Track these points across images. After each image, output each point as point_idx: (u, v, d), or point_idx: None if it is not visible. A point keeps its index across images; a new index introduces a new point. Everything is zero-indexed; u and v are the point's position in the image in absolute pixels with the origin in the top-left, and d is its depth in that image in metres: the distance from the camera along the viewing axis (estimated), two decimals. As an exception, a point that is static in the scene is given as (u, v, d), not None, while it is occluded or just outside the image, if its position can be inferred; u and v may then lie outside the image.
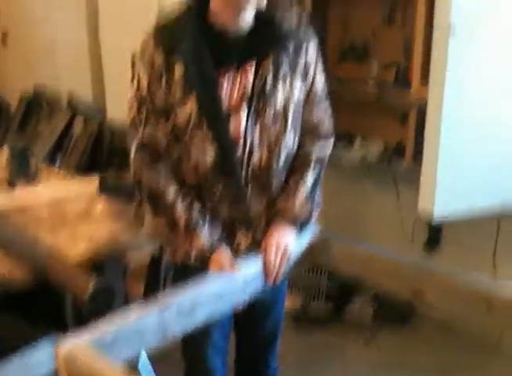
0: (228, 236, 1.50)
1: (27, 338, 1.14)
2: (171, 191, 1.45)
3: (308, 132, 1.53)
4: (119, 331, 1.16)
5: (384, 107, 2.93)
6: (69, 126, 3.99)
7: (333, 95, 3.01)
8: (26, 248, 1.78)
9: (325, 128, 1.56)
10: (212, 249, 1.44)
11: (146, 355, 1.52)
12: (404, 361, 2.61)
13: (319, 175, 1.56)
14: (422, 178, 2.24)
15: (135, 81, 1.43)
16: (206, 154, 1.42)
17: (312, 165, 1.54)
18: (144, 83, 1.40)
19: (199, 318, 1.32)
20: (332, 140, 1.59)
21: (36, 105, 4.58)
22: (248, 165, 1.45)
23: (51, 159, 3.90)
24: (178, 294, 1.28)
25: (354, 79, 2.97)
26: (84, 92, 4.21)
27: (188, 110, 1.39)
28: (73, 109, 4.02)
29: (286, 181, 1.53)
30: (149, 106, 1.41)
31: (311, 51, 1.49)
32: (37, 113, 4.52)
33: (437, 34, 2.14)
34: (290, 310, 2.93)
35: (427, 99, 2.25)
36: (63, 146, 3.92)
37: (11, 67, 5.05)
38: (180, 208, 1.44)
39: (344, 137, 3.03)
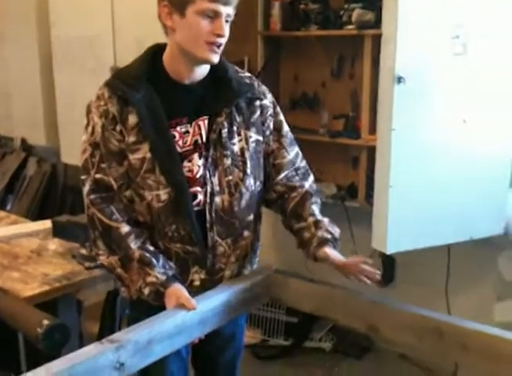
0: (182, 274, 1.52)
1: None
2: (125, 227, 1.46)
3: (294, 172, 1.62)
4: (74, 369, 1.13)
5: (336, 152, 3.05)
6: (22, 167, 3.93)
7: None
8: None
9: (305, 165, 1.66)
10: (167, 284, 1.42)
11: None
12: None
13: (321, 206, 1.63)
14: (374, 217, 2.32)
15: (90, 128, 1.48)
16: (159, 197, 1.46)
17: (315, 199, 1.61)
18: (98, 129, 1.45)
19: (155, 354, 1.30)
20: (313, 177, 1.68)
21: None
22: (211, 208, 1.50)
23: (2, 202, 3.82)
24: (134, 331, 1.27)
25: (305, 127, 3.08)
26: (38, 137, 4.17)
27: (141, 155, 1.45)
28: (27, 150, 3.97)
29: (302, 220, 1.57)
30: (102, 152, 1.46)
31: (267, 106, 1.59)
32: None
33: (383, 85, 2.25)
34: (249, 344, 2.94)
35: (375, 145, 2.37)
36: (14, 189, 3.85)
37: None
38: (134, 244, 1.45)
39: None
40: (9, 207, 3.90)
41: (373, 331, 1.48)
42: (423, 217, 2.30)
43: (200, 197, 1.50)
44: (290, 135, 1.65)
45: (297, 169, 1.63)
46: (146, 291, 1.42)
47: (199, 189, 1.50)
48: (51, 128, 4.03)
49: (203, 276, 1.54)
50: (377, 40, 2.40)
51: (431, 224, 2.32)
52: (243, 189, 1.54)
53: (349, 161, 3.03)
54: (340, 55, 2.99)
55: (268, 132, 1.59)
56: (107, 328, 1.54)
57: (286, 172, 1.61)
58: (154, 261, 1.44)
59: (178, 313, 1.36)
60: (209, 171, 1.49)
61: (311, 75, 3.12)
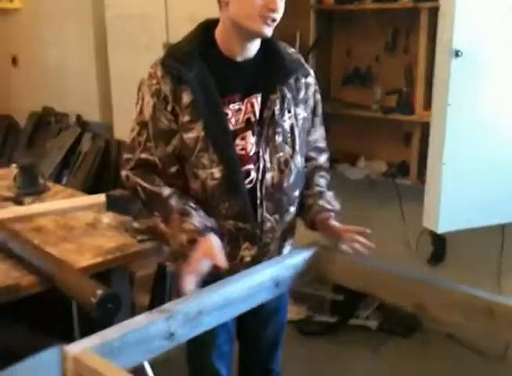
0: (232, 250, 1.55)
1: (34, 346, 1.15)
2: (166, 190, 1.48)
3: (313, 149, 1.68)
4: (126, 338, 1.17)
5: (388, 129, 2.99)
6: (77, 143, 4.03)
7: (337, 117, 3.12)
8: (33, 258, 1.80)
9: (325, 145, 1.73)
10: (204, 233, 1.42)
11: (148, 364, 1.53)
12: (410, 371, 2.63)
13: (328, 181, 1.71)
14: (426, 195, 2.28)
15: (139, 106, 1.50)
16: (212, 175, 1.48)
17: (324, 173, 1.69)
18: (148, 108, 1.47)
19: (204, 325, 1.32)
20: (328, 154, 1.74)
21: (44, 122, 4.64)
22: (262, 185, 1.52)
23: (58, 176, 3.94)
24: (184, 302, 1.29)
25: (358, 103, 3.04)
26: (92, 114, 4.27)
27: (195, 134, 1.45)
28: (82, 126, 4.07)
29: (307, 188, 1.65)
30: (149, 131, 1.47)
31: (311, 84, 1.61)
32: (45, 131, 4.58)
33: (439, 59, 2.19)
34: (294, 320, 2.96)
35: (429, 121, 2.33)
36: (70, 164, 3.96)
37: (21, 88, 5.12)
38: (174, 200, 1.46)
39: (348, 157, 3.09)
40: (64, 182, 4.02)
41: (420, 310, 1.46)
42: (476, 195, 2.25)
43: (253, 174, 1.52)
44: (321, 115, 1.67)
45: (316, 147, 1.69)
46: (184, 237, 1.42)
47: (252, 166, 1.52)
48: (105, 105, 4.11)
49: (253, 252, 1.56)
50: (434, 13, 2.35)
51: (485, 203, 2.26)
52: (292, 166, 1.56)
53: (401, 138, 2.97)
54: (395, 28, 2.91)
55: (309, 110, 1.61)
56: (158, 299, 1.57)
57: (306, 149, 1.64)
58: (194, 212, 1.45)
59: (226, 286, 1.38)
60: (261, 148, 1.51)
61: (364, 50, 3.06)
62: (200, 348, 1.66)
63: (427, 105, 2.55)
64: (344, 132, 3.20)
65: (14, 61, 5.14)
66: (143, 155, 1.49)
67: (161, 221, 1.48)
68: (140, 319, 1.22)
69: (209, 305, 1.32)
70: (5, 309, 1.74)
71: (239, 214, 1.51)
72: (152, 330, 1.21)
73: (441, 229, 2.27)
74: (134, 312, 1.26)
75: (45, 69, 4.75)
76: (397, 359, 2.75)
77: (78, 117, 4.41)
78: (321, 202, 1.62)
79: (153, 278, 2.02)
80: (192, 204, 1.47)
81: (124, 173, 1.53)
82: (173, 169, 1.50)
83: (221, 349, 1.68)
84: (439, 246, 2.90)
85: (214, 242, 1.41)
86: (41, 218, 2.30)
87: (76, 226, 2.19)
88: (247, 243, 1.56)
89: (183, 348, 1.67)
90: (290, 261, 1.53)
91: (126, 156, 1.52)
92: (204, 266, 1.37)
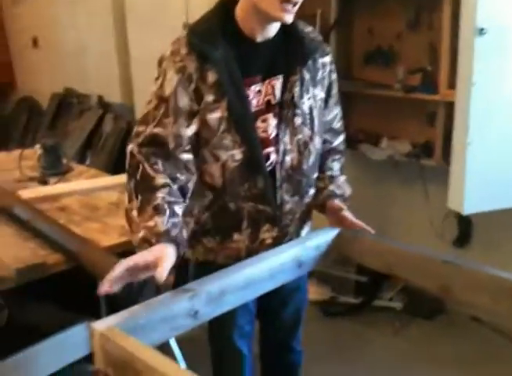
0: (253, 233, 1.54)
1: (62, 324, 1.17)
2: (162, 179, 1.35)
3: (328, 131, 1.66)
4: (151, 316, 1.18)
5: (411, 108, 2.95)
6: (99, 124, 4.06)
7: (360, 96, 3.08)
8: (59, 237, 1.83)
9: (340, 126, 1.70)
10: (161, 238, 1.26)
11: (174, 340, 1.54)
12: (433, 353, 2.62)
13: (343, 164, 1.70)
14: (451, 176, 2.25)
15: (160, 81, 1.43)
16: (234, 156, 1.46)
17: (338, 156, 1.69)
18: (171, 84, 1.41)
19: (227, 304, 1.33)
20: (344, 136, 1.73)
21: (67, 103, 4.67)
22: (281, 167, 1.51)
23: (81, 157, 3.98)
24: (207, 282, 1.30)
25: (380, 82, 3.00)
26: (114, 95, 4.29)
27: (219, 114, 1.43)
28: (103, 107, 4.09)
29: (320, 172, 1.65)
30: (169, 107, 1.41)
31: (327, 63, 1.58)
32: (67, 112, 4.61)
33: (463, 37, 2.15)
34: (318, 301, 2.98)
35: (453, 100, 2.30)
36: (92, 144, 3.99)
37: (42, 69, 5.16)
38: (162, 193, 1.33)
39: (370, 137, 3.06)
40: (87, 163, 4.06)
41: (445, 292, 1.44)
42: (503, 176, 2.22)
43: (273, 156, 1.51)
44: (337, 95, 1.65)
45: (331, 128, 1.67)
46: (140, 234, 1.27)
47: (272, 149, 1.50)
48: (126, 86, 4.13)
49: (274, 233, 1.56)
50: (458, -11, 2.28)
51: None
52: (312, 148, 1.55)
53: (425, 118, 2.92)
54: (418, 5, 2.84)
55: (325, 90, 1.59)
56: (181, 278, 1.58)
57: None
58: (168, 213, 1.30)
59: (249, 267, 1.38)
60: (281, 130, 1.49)
61: (386, 28, 3.00)
62: (222, 329, 1.68)
63: (452, 84, 2.51)
64: (366, 112, 3.16)
65: (35, 43, 5.17)
66: (156, 129, 1.39)
67: (137, 208, 1.32)
68: (165, 298, 1.24)
69: (232, 285, 1.33)
70: (32, 288, 1.77)
71: (259, 195, 1.50)
72: (176, 308, 1.23)
73: (467, 210, 2.24)
74: (158, 291, 1.27)
75: (65, 50, 4.77)
76: (420, 340, 2.74)
77: (100, 98, 4.43)
78: (332, 187, 1.62)
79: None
80: (177, 207, 1.34)
81: (130, 147, 1.41)
82: (184, 156, 1.42)
83: (243, 330, 1.69)
84: (464, 228, 2.87)
85: (166, 254, 1.23)
86: (65, 198, 2.33)
87: (100, 206, 2.21)
88: (268, 225, 1.55)
89: (206, 330, 1.69)
90: (313, 241, 1.53)
91: (137, 129, 1.41)
92: (135, 275, 1.22)
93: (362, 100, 3.15)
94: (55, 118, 4.77)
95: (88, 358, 1.17)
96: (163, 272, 1.18)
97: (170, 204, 1.32)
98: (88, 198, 2.34)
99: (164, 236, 1.26)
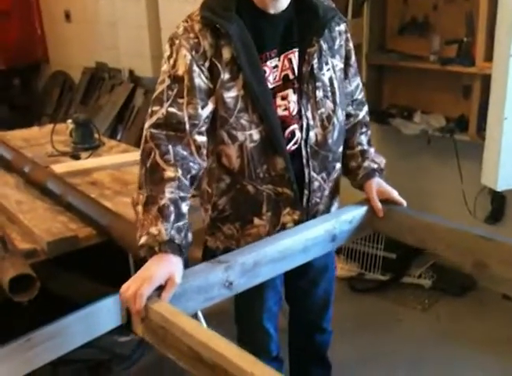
0: (273, 217, 1.50)
1: (94, 296, 1.19)
2: (171, 172, 1.30)
3: (351, 103, 1.62)
4: (187, 285, 1.21)
5: (446, 81, 2.88)
6: (130, 98, 4.08)
7: (393, 68, 3.01)
8: (91, 211, 1.86)
9: (362, 97, 1.65)
10: (165, 247, 1.22)
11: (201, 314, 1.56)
12: (462, 331, 2.60)
13: (370, 136, 1.66)
14: (485, 151, 2.20)
15: (172, 60, 1.38)
16: (251, 136, 1.41)
17: (365, 129, 1.64)
18: (186, 62, 1.36)
19: (261, 276, 1.35)
20: (367, 107, 1.68)
21: (98, 78, 4.70)
22: (306, 144, 1.47)
23: (112, 131, 4.02)
24: (241, 254, 1.32)
25: (414, 53, 2.92)
26: (144, 69, 4.29)
27: (235, 93, 1.38)
28: (134, 81, 4.10)
29: (349, 148, 1.62)
30: (183, 86, 1.36)
31: (344, 32, 1.53)
32: (99, 87, 4.64)
33: (502, 7, 2.08)
34: (346, 277, 2.98)
35: (490, 73, 2.23)
36: (123, 118, 4.02)
37: (74, 43, 5.19)
38: (169, 192, 1.27)
39: (404, 111, 2.99)
40: (119, 137, 4.10)
41: (480, 267, 1.42)
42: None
43: (298, 134, 1.45)
44: (355, 64, 1.59)
45: (354, 100, 1.62)
46: (142, 240, 1.24)
47: (296, 126, 1.45)
48: (157, 60, 4.12)
49: (296, 217, 1.51)
50: (498, -44, 2.19)
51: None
52: (335, 121, 1.49)
53: (460, 91, 2.84)
54: (456, -26, 2.76)
55: (343, 60, 1.53)
56: (209, 253, 1.59)
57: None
58: (173, 217, 1.25)
59: (282, 240, 1.39)
60: (303, 106, 1.44)
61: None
62: (251, 310, 1.67)
63: (489, 56, 2.42)
64: (400, 85, 3.09)
65: (67, 16, 5.20)
66: (171, 109, 1.34)
67: (142, 203, 1.28)
68: (200, 268, 1.27)
69: (265, 257, 1.34)
70: (64, 261, 1.81)
71: (276, 177, 1.45)
72: (211, 278, 1.25)
73: (501, 186, 2.20)
74: (187, 265, 1.28)
75: (97, 24, 4.78)
76: (449, 318, 2.72)
77: (131, 72, 4.44)
78: (366, 163, 1.59)
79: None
80: (184, 204, 1.29)
81: (145, 128, 1.36)
82: (198, 138, 1.36)
83: (271, 311, 1.68)
84: (498, 204, 2.81)
85: (174, 265, 1.20)
86: (97, 173, 2.36)
87: (131, 181, 2.22)
88: (288, 208, 1.50)
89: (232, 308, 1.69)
90: (347, 215, 1.53)
91: (152, 108, 1.37)
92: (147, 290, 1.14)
93: (395, 73, 3.08)
94: (87, 93, 4.81)
95: (119, 329, 1.20)
96: (167, 294, 1.16)
97: (177, 202, 1.27)
98: (119, 173, 2.37)
99: (167, 245, 1.22)
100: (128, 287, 1.15)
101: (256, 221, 1.50)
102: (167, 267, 1.18)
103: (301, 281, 1.71)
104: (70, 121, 2.83)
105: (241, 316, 1.73)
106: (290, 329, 1.90)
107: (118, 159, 2.53)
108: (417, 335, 2.60)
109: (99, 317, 1.18)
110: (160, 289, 1.17)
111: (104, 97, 4.46)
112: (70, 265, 1.99)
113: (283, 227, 1.51)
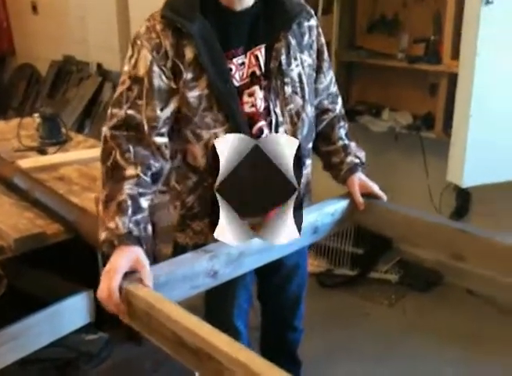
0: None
1: (62, 293, 1.18)
2: (132, 170, 1.30)
3: (327, 98, 1.61)
4: (172, 273, 1.22)
5: (413, 79, 2.92)
6: (98, 92, 4.02)
7: (362, 66, 3.04)
8: (58, 207, 1.83)
9: (336, 89, 1.65)
10: (124, 240, 1.22)
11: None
12: (428, 325, 2.65)
13: (347, 129, 1.66)
14: (451, 148, 2.24)
15: (133, 60, 1.36)
16: (216, 135, 1.39)
17: (343, 123, 1.64)
18: (145, 63, 1.34)
19: (245, 266, 1.36)
20: (341, 99, 1.67)
21: (66, 71, 4.63)
22: None
23: (79, 125, 3.96)
24: (227, 244, 1.32)
25: (383, 51, 2.95)
26: (113, 63, 4.23)
27: (198, 92, 1.36)
28: (103, 75, 4.04)
29: (331, 144, 1.63)
30: (143, 88, 1.34)
31: (313, 26, 1.51)
32: (67, 80, 4.57)
33: (469, 6, 2.11)
34: (315, 273, 3.00)
35: (456, 72, 2.27)
36: (91, 113, 3.96)
37: (41, 36, 5.09)
38: (128, 188, 1.28)
39: (372, 108, 3.03)
40: (86, 131, 4.04)
41: (458, 260, 1.44)
42: (503, 149, 2.20)
43: (266, 131, 1.44)
44: (328, 58, 1.58)
45: (329, 94, 1.61)
46: (103, 236, 1.24)
47: (263, 123, 1.43)
48: (125, 54, 4.07)
49: None
50: (464, -44, 2.22)
51: (512, 157, 2.22)
52: (305, 117, 1.48)
53: (427, 89, 2.90)
54: (424, -28, 2.80)
55: (314, 55, 1.52)
56: (179, 249, 1.59)
57: (320, 98, 1.58)
58: (130, 211, 1.25)
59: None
60: (271, 102, 1.42)
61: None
62: (221, 305, 1.66)
63: (455, 55, 2.47)
64: (368, 82, 3.13)
65: (34, 8, 5.10)
66: (130, 111, 1.33)
67: (103, 201, 1.29)
68: (186, 257, 1.28)
69: (250, 247, 1.36)
70: (31, 257, 1.78)
71: None
72: (197, 267, 1.26)
73: (466, 183, 2.24)
74: (153, 259, 1.27)
75: (65, 16, 4.70)
76: (416, 312, 2.77)
77: (99, 66, 4.38)
78: (349, 158, 1.59)
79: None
80: (143, 199, 1.30)
81: (104, 130, 1.35)
82: (158, 139, 1.35)
83: (241, 308, 1.68)
84: (463, 201, 2.87)
85: (138, 255, 1.21)
86: (64, 168, 2.33)
87: (98, 176, 2.17)
88: None
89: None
90: (329, 209, 1.54)
91: (112, 110, 1.36)
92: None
93: (363, 70, 3.12)
94: (54, 86, 4.73)
95: (86, 327, 1.19)
96: (147, 281, 1.16)
97: (135, 197, 1.28)
98: (86, 168, 2.34)
99: (125, 238, 1.22)
100: (101, 290, 1.16)
101: None
102: (128, 256, 1.19)
103: (275, 277, 1.71)
104: (36, 115, 2.78)
105: (211, 312, 1.71)
106: (262, 327, 1.90)
107: (86, 154, 2.50)
108: (384, 329, 2.63)
109: (66, 315, 1.17)
110: (138, 279, 1.16)
111: (72, 90, 4.39)
112: (38, 262, 1.96)
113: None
